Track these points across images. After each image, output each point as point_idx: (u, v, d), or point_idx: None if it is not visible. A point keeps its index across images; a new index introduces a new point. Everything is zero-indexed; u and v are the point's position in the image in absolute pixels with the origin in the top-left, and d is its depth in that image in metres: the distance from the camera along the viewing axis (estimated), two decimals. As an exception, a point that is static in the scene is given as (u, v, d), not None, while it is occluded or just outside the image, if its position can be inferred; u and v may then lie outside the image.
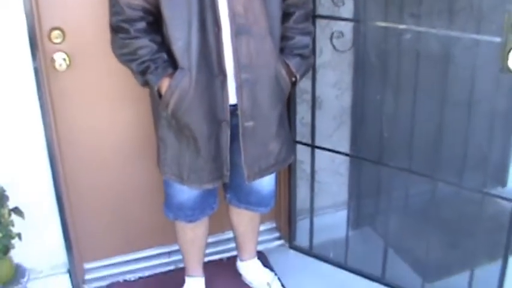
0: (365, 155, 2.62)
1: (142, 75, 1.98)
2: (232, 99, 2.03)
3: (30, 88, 2.22)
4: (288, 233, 2.86)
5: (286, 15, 2.11)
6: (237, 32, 1.96)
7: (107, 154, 2.52)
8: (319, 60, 2.54)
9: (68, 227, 2.46)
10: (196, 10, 1.91)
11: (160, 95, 2.01)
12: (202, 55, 1.95)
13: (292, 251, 2.85)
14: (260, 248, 2.75)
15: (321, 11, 2.42)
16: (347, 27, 2.47)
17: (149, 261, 2.74)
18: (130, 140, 2.52)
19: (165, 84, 1.97)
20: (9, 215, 2.20)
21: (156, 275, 2.70)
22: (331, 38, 2.39)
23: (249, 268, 2.62)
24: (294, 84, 2.19)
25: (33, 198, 2.36)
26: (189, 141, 2.06)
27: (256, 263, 2.63)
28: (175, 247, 2.58)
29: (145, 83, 2.01)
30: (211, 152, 2.07)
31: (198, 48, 1.94)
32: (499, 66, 1.95)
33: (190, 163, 2.10)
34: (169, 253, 2.75)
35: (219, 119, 2.04)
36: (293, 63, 2.12)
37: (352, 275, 2.67)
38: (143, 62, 1.96)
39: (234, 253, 2.70)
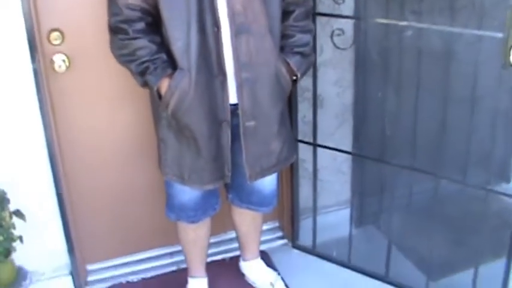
0: (367, 153, 2.61)
1: (142, 76, 1.97)
2: (233, 98, 2.02)
3: (29, 90, 2.21)
4: (291, 232, 2.84)
5: (286, 13, 2.10)
6: (237, 32, 1.94)
7: (108, 155, 2.51)
8: (320, 58, 2.53)
9: (69, 228, 2.46)
10: (195, 10, 1.90)
11: (160, 96, 1.99)
12: (201, 55, 1.94)
13: (295, 251, 2.84)
14: (263, 247, 2.75)
15: (321, 8, 2.40)
16: (348, 25, 2.46)
17: (152, 262, 2.73)
18: (131, 141, 2.52)
19: (164, 84, 1.96)
20: (11, 217, 2.20)
21: (158, 276, 2.69)
22: (331, 36, 2.38)
23: (252, 268, 2.61)
24: (294, 82, 2.18)
25: (34, 200, 2.35)
26: (189, 142, 2.05)
27: (259, 262, 2.62)
28: (178, 248, 2.57)
29: (145, 84, 1.99)
30: (212, 152, 2.06)
31: (197, 49, 1.93)
32: (501, 62, 1.94)
33: (191, 163, 2.08)
34: (171, 254, 2.74)
35: (219, 119, 2.03)
36: (293, 61, 2.11)
37: (355, 274, 2.66)
38: (142, 63, 1.95)
39: (237, 253, 2.69)
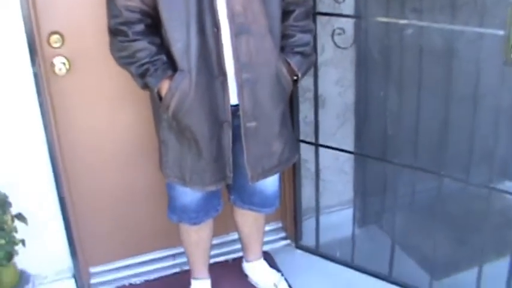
0: (369, 153, 2.60)
1: (142, 78, 1.97)
2: (234, 99, 2.01)
3: (30, 93, 2.21)
4: (294, 233, 2.84)
5: (286, 13, 2.09)
6: (237, 32, 1.94)
7: (109, 157, 2.51)
8: (321, 58, 2.52)
9: (71, 231, 2.46)
10: (194, 11, 1.89)
11: (160, 98, 1.99)
12: (201, 56, 1.93)
13: (298, 251, 2.83)
14: (266, 248, 2.74)
15: (321, 7, 2.39)
16: (348, 24, 2.45)
17: (154, 264, 2.73)
18: (132, 143, 2.51)
19: (164, 86, 1.95)
20: (13, 221, 2.19)
21: (161, 278, 2.68)
22: (332, 35, 2.37)
23: (255, 269, 2.61)
24: (295, 82, 2.17)
25: (36, 203, 2.35)
26: (190, 143, 2.05)
27: (262, 263, 2.61)
28: (181, 250, 2.57)
29: (145, 86, 1.99)
30: (213, 153, 2.05)
31: (197, 50, 1.92)
32: (503, 59, 1.93)
33: (192, 165, 2.08)
34: (174, 256, 2.73)
35: (220, 120, 2.02)
36: (294, 61, 2.10)
37: (359, 274, 2.65)
38: (142, 65, 1.94)
39: (240, 254, 2.69)
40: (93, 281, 2.64)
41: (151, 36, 1.95)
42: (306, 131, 2.62)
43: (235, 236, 2.68)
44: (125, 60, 1.99)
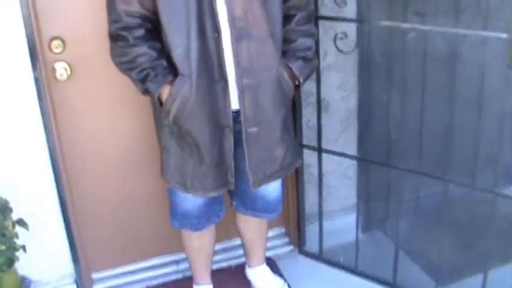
0: (373, 157, 2.58)
1: (142, 83, 1.96)
2: (235, 104, 2.00)
3: (31, 98, 2.21)
4: (297, 238, 2.82)
5: (287, 18, 2.08)
6: (238, 37, 1.92)
7: (110, 162, 2.50)
8: (323, 62, 2.51)
9: (73, 236, 2.46)
10: (194, 16, 1.88)
11: (161, 103, 1.98)
12: (202, 61, 1.92)
13: (301, 256, 2.81)
14: (269, 253, 2.73)
15: (323, 12, 2.38)
16: (350, 28, 2.43)
17: (157, 270, 2.71)
18: (134, 148, 2.50)
19: (165, 91, 1.94)
20: (14, 227, 2.18)
21: (164, 284, 2.67)
22: (334, 40, 2.35)
23: (258, 275, 2.59)
24: (297, 87, 2.16)
25: (37, 209, 2.35)
26: (191, 149, 2.03)
27: (265, 269, 2.60)
28: (183, 255, 2.55)
29: (146, 91, 1.98)
30: (215, 158, 2.04)
31: (197, 54, 1.91)
32: (507, 62, 1.91)
33: (193, 171, 2.06)
34: (177, 262, 2.72)
35: (221, 125, 2.01)
36: (296, 66, 2.09)
37: (362, 280, 2.62)
38: (143, 70, 1.94)
39: (243, 260, 2.67)
40: (95, 287, 2.63)
41: (151, 41, 1.94)
42: (308, 136, 2.60)
43: (238, 241, 2.67)
44: (125, 66, 1.98)
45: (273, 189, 2.28)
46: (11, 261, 2.16)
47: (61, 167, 2.35)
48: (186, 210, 2.22)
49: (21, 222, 2.21)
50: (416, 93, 2.39)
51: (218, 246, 2.61)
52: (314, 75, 2.37)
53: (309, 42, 2.14)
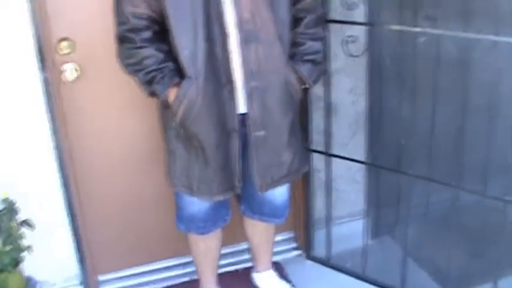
0: (382, 163, 2.55)
1: (149, 85, 1.95)
2: (242, 108, 1.99)
3: (39, 99, 2.21)
4: (305, 243, 2.80)
5: (296, 20, 2.06)
6: (245, 40, 1.91)
7: (118, 164, 2.50)
8: (333, 66, 2.49)
9: (79, 238, 2.46)
10: (202, 18, 1.87)
11: (167, 105, 1.97)
12: (209, 64, 1.91)
13: (309, 262, 2.79)
14: (277, 258, 2.71)
15: (333, 15, 2.36)
16: (360, 32, 2.41)
17: (164, 273, 2.71)
18: (141, 150, 2.50)
19: (172, 93, 1.93)
20: (20, 227, 2.19)
21: (170, 286, 2.66)
22: (344, 43, 2.33)
23: (265, 279, 2.57)
24: (306, 91, 2.14)
25: (44, 210, 2.35)
26: (197, 152, 2.02)
27: (272, 274, 2.58)
28: (190, 258, 2.54)
29: (152, 94, 1.97)
30: (220, 161, 2.02)
31: (204, 57, 1.90)
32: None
33: (199, 174, 2.05)
34: (183, 265, 2.71)
35: (228, 129, 1.99)
36: (304, 69, 2.07)
37: (370, 286, 2.60)
38: (149, 72, 1.93)
39: (250, 264, 2.65)
40: (101, 288, 2.64)
41: (158, 43, 1.93)
42: (318, 140, 2.58)
43: (245, 245, 2.66)
44: (132, 68, 1.98)
45: (280, 193, 2.27)
46: (16, 262, 2.16)
47: (68, 168, 2.35)
48: (192, 214, 2.21)
49: (27, 223, 2.21)
50: (427, 98, 2.36)
51: (225, 250, 2.59)
52: (323, 79, 2.35)
53: (317, 45, 2.11)
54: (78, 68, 2.28)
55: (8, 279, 2.17)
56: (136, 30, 1.92)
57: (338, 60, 2.52)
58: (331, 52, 2.40)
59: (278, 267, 2.66)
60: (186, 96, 1.92)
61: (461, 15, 2.14)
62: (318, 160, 2.61)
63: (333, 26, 2.37)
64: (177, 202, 2.25)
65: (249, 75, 1.94)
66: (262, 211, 2.32)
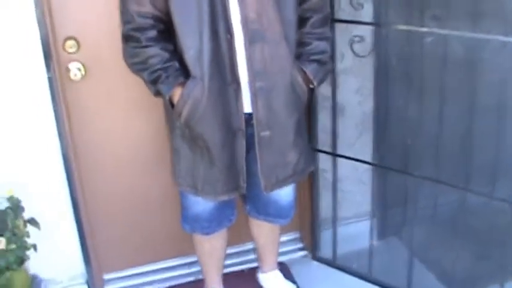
0: (389, 164, 2.53)
1: (154, 84, 1.94)
2: (247, 107, 1.98)
3: (45, 98, 2.21)
4: (311, 244, 2.79)
5: (302, 20, 2.05)
6: (251, 39, 1.90)
7: (123, 163, 2.50)
8: (340, 66, 2.47)
9: (85, 237, 2.46)
10: (207, 18, 1.86)
11: (172, 105, 1.96)
12: (214, 63, 1.90)
13: (315, 262, 2.78)
14: (283, 259, 2.70)
15: (340, 15, 2.35)
16: (367, 31, 2.39)
17: (169, 272, 2.71)
18: (147, 150, 2.50)
19: (177, 93, 1.93)
20: (25, 226, 2.19)
21: (175, 286, 2.66)
22: (351, 43, 2.32)
23: (270, 280, 2.56)
24: (312, 91, 2.13)
25: (49, 208, 2.35)
26: (202, 152, 2.01)
27: (277, 275, 2.57)
28: (195, 258, 2.53)
29: (158, 93, 1.96)
30: (225, 161, 2.01)
31: (209, 56, 1.89)
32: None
33: (204, 174, 2.05)
34: (189, 264, 2.71)
35: (233, 129, 1.99)
36: (310, 69, 2.05)
37: (376, 287, 2.58)
38: (154, 71, 1.92)
39: (255, 264, 2.65)
40: (106, 287, 2.63)
41: (163, 42, 1.93)
42: (324, 140, 2.57)
43: (250, 245, 2.65)
44: (137, 67, 1.97)
45: (285, 194, 2.25)
46: (21, 260, 2.17)
47: (73, 167, 2.36)
48: (197, 213, 2.21)
49: (32, 222, 2.22)
50: (434, 98, 2.34)
51: (230, 250, 2.59)
52: (330, 79, 2.33)
53: (323, 45, 2.10)
54: (83, 67, 2.28)
55: (13, 278, 2.17)
56: (141, 29, 1.91)
57: (345, 61, 2.51)
58: (337, 52, 2.38)
59: (283, 267, 2.65)
60: (191, 96, 1.91)
61: (469, 15, 2.13)
62: (324, 160, 2.60)
63: (340, 26, 2.36)
64: (182, 202, 2.24)
65: (254, 75, 1.93)
66: (267, 211, 2.31)
